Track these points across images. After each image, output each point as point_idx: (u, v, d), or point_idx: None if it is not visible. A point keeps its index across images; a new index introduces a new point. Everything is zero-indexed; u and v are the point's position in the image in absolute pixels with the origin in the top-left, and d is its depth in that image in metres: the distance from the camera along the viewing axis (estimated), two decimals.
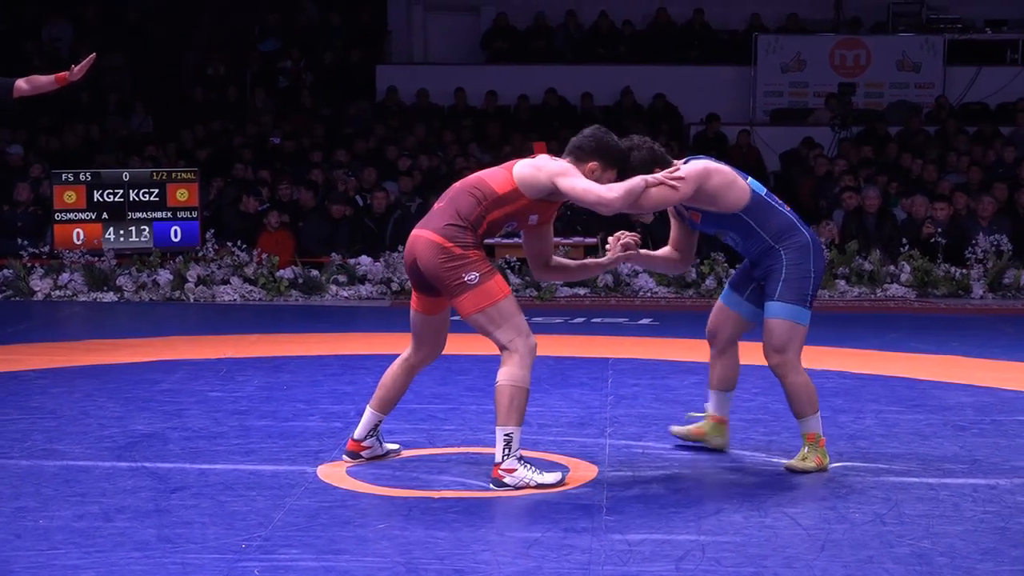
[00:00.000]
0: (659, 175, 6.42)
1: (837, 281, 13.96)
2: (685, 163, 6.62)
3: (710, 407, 7.03)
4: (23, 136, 18.90)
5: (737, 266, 6.99)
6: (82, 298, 13.74)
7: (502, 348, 6.24)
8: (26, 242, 14.61)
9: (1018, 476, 6.47)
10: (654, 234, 13.66)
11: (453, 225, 6.15)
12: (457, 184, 6.37)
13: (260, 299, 13.74)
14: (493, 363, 9.67)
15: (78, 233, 14.49)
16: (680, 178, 6.44)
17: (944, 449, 7.05)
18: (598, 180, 6.30)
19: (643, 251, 6.83)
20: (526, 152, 18.10)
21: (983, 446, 7.13)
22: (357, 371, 9.32)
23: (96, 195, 14.50)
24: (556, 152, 6.57)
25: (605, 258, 6.85)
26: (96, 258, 14.20)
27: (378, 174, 17.04)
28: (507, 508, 5.86)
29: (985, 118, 20.20)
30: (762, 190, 6.71)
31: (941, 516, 5.77)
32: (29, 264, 14.28)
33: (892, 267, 14.13)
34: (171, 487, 6.16)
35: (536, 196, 6.26)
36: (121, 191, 14.58)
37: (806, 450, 6.63)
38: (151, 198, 14.66)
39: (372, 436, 6.62)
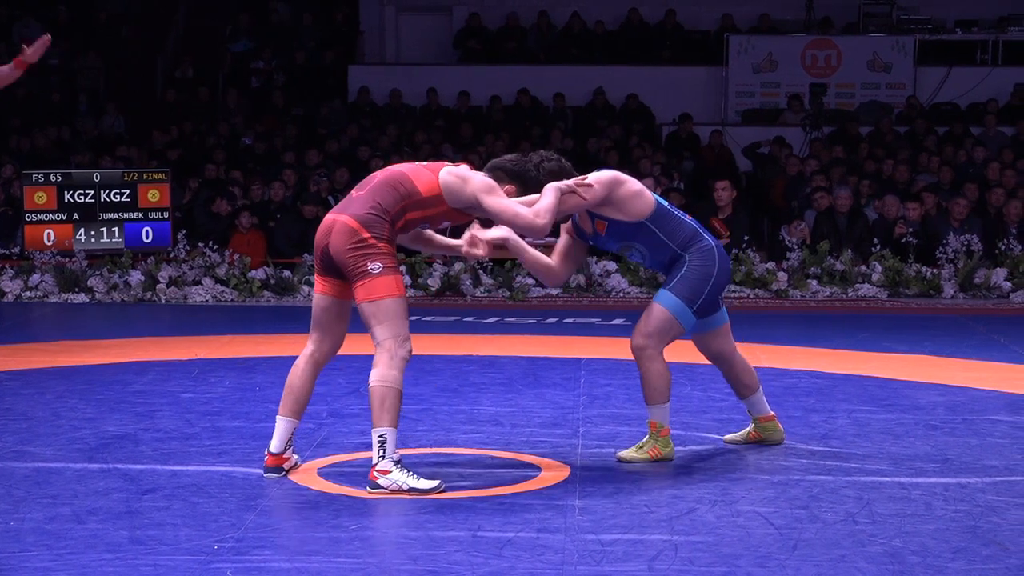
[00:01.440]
0: (569, 182, 6.54)
1: (809, 281, 14.00)
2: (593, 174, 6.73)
3: (751, 412, 7.14)
4: None
5: None
6: (53, 299, 13.69)
7: (377, 344, 6.18)
8: None
9: (989, 475, 6.50)
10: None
11: (373, 214, 6.14)
12: (379, 175, 6.34)
13: (232, 300, 13.71)
14: (466, 364, 9.71)
15: (49, 234, 14.43)
16: (589, 184, 6.58)
17: (916, 448, 7.08)
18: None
19: (521, 242, 6.73)
20: (498, 151, 18.16)
21: (954, 445, 7.15)
22: (329, 372, 9.25)
23: (67, 196, 14.45)
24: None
25: (457, 240, 6.74)
26: (67, 259, 14.15)
27: (350, 175, 17.01)
28: (480, 508, 5.85)
29: (956, 118, 20.28)
30: (664, 202, 6.81)
31: (913, 515, 5.78)
32: None
33: (864, 267, 14.17)
34: (143, 489, 6.14)
35: (456, 206, 6.31)
36: (92, 192, 14.53)
37: (646, 439, 6.77)
38: (122, 199, 14.61)
39: (290, 447, 6.42)
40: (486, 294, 13.83)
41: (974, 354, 10.38)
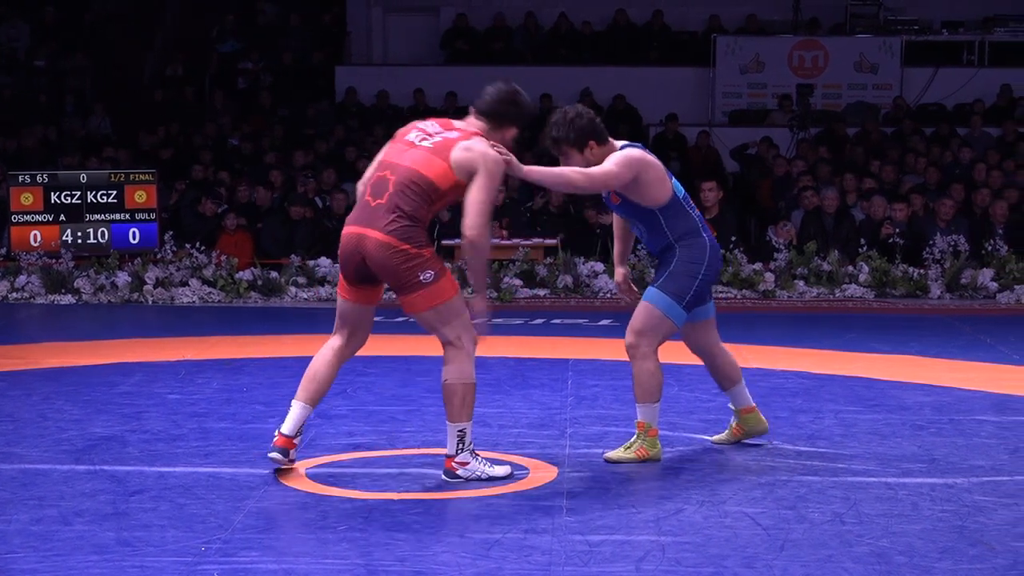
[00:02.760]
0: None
1: (796, 281, 14.02)
2: (623, 148, 6.74)
3: (733, 404, 7.15)
4: None
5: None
6: (39, 300, 13.66)
7: (448, 344, 6.26)
8: None
9: (975, 475, 6.51)
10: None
11: (406, 226, 6.13)
12: (391, 177, 6.25)
13: (219, 301, 13.70)
14: None
15: (35, 235, 14.42)
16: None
17: (902, 448, 7.09)
18: (509, 140, 6.51)
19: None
20: None
21: (941, 445, 7.17)
22: None
23: (53, 197, 14.43)
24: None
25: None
26: (54, 260, 14.13)
27: (337, 175, 17.01)
28: (468, 509, 5.86)
29: (942, 119, 20.32)
30: (681, 192, 6.86)
31: (900, 515, 5.79)
32: None
33: (851, 267, 14.19)
34: (130, 490, 6.14)
35: (469, 179, 6.27)
36: (79, 193, 14.51)
37: (633, 438, 6.80)
38: (109, 200, 14.59)
39: (299, 435, 6.40)
40: (473, 295, 13.80)
41: (961, 354, 10.39)
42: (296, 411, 6.39)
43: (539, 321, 12.39)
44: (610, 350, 10.32)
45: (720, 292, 13.86)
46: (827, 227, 15.13)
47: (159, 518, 5.67)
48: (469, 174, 6.22)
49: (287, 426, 6.36)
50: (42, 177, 14.58)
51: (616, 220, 7.16)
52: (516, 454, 6.89)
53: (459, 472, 6.24)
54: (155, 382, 8.96)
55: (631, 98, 20.69)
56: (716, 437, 7.25)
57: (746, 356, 10.08)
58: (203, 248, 14.20)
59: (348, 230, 6.25)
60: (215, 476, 6.40)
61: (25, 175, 14.66)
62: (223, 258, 14.07)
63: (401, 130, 6.58)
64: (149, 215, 14.66)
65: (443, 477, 6.28)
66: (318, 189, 16.62)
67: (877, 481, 6.38)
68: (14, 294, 13.82)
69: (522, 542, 5.37)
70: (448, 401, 6.25)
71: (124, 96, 21.15)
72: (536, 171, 6.59)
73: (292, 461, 6.43)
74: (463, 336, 6.26)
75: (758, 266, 14.15)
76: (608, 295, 13.89)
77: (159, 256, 14.18)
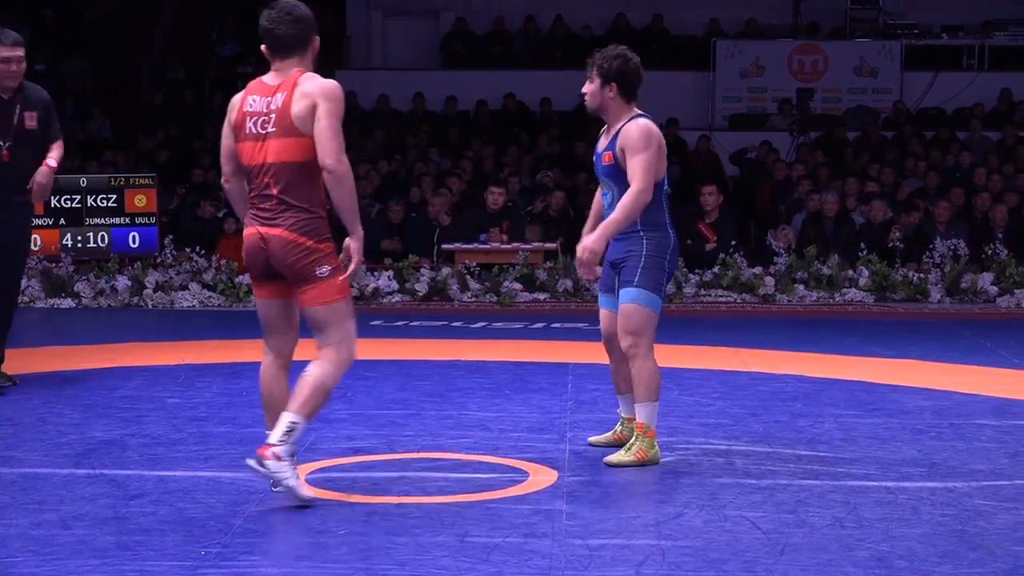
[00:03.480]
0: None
1: (796, 285, 14.01)
2: (638, 117, 6.86)
3: (625, 411, 7.10)
4: None
5: (601, 269, 7.14)
6: (40, 304, 13.65)
7: (327, 344, 6.02)
8: None
9: (976, 479, 6.51)
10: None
11: (304, 218, 5.94)
12: (267, 180, 5.94)
13: (219, 305, 13.69)
14: (453, 368, 9.70)
15: (35, 239, 14.39)
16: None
17: (902, 453, 7.09)
18: (317, 49, 6.19)
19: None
20: (486, 156, 18.08)
21: (941, 449, 7.16)
22: None
23: (53, 201, 14.41)
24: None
25: None
26: (54, 264, 14.13)
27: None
28: (467, 514, 5.85)
29: (942, 123, 20.33)
30: (665, 185, 6.91)
31: (900, 520, 5.79)
32: None
33: (850, 271, 14.19)
34: (130, 494, 6.13)
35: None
36: (79, 197, 14.52)
37: (632, 440, 6.80)
38: (109, 204, 14.59)
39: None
40: (474, 299, 13.83)
41: (961, 358, 10.39)
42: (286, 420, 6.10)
43: (539, 325, 12.38)
44: None
45: (720, 296, 13.86)
46: (827, 231, 15.13)
47: (159, 522, 5.66)
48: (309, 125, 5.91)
49: (275, 437, 6.07)
50: None
51: (597, 197, 7.14)
52: (516, 458, 6.88)
53: (267, 463, 5.81)
54: (155, 386, 8.96)
55: None
56: (595, 438, 7.23)
57: (746, 360, 10.10)
58: (203, 252, 14.19)
59: (249, 230, 6.07)
60: (215, 480, 6.39)
61: None
62: (223, 262, 14.06)
63: (235, 120, 6.09)
64: (149, 219, 14.66)
65: (248, 460, 5.92)
66: None
67: (877, 485, 6.38)
68: None
69: (522, 546, 5.37)
70: (298, 390, 5.95)
71: (123, 99, 21.16)
72: (605, 228, 6.71)
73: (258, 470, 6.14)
74: (345, 342, 6.03)
75: (758, 270, 14.14)
76: None
77: (159, 260, 14.18)
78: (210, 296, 13.79)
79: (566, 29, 22.37)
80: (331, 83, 5.99)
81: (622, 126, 6.80)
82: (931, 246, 14.33)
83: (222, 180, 6.26)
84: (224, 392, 8.76)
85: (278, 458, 5.84)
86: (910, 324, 12.66)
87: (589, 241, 6.74)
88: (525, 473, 6.57)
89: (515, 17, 22.66)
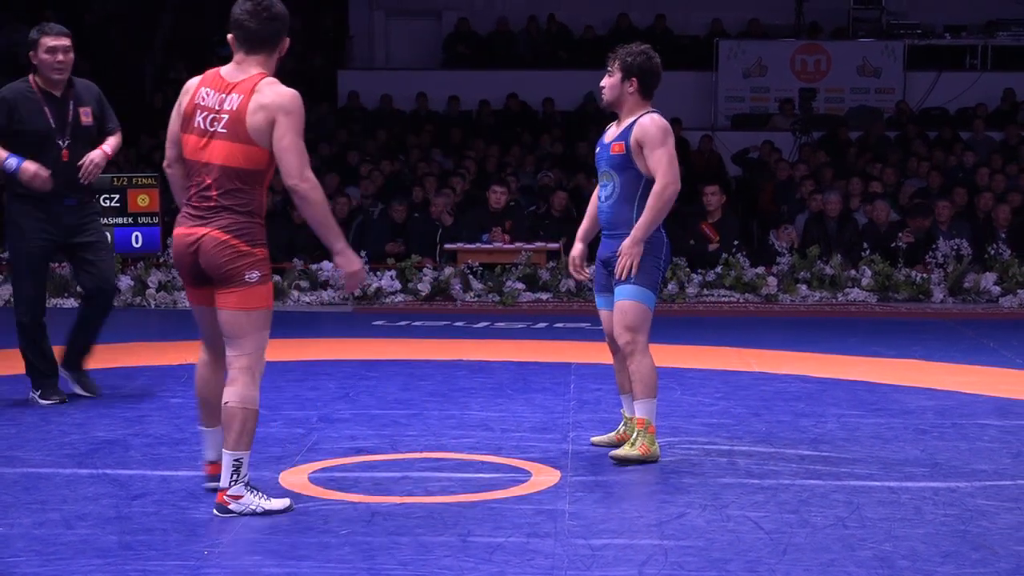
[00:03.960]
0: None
1: (799, 285, 14.01)
2: (652, 113, 6.89)
3: (628, 411, 7.10)
4: None
5: (589, 268, 7.26)
6: None
7: (238, 357, 5.76)
8: None
9: (978, 479, 6.51)
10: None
11: (240, 221, 5.73)
12: (208, 179, 5.75)
13: None
14: (456, 368, 9.70)
15: None
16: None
17: (905, 452, 7.08)
18: (284, 50, 6.06)
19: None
20: (488, 156, 18.04)
21: (944, 449, 7.16)
22: (319, 377, 9.30)
23: None
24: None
25: None
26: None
27: (340, 179, 17.02)
28: (470, 513, 5.85)
29: (945, 123, 20.32)
30: None
31: (902, 519, 5.79)
32: None
33: (853, 271, 14.18)
34: (132, 494, 6.13)
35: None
36: None
37: (635, 436, 6.80)
38: (112, 204, 14.57)
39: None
40: (476, 299, 13.83)
41: (963, 358, 10.39)
42: (207, 437, 6.06)
43: (541, 325, 12.38)
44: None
45: (723, 296, 13.85)
46: (830, 231, 15.13)
47: (162, 522, 5.67)
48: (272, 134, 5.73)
49: (209, 454, 6.06)
50: None
51: (593, 198, 7.15)
52: (519, 458, 6.88)
53: (231, 507, 5.75)
54: (158, 386, 8.96)
55: None
56: (597, 438, 7.25)
57: (748, 360, 10.10)
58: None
59: (180, 231, 5.84)
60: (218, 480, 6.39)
61: None
62: None
63: (185, 107, 5.89)
64: (152, 219, 14.63)
65: (215, 512, 5.78)
66: None
67: (880, 485, 6.37)
68: None
69: (525, 546, 5.37)
70: (227, 426, 5.73)
71: (125, 100, 21.15)
72: (640, 229, 6.74)
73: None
74: (256, 355, 5.78)
75: (761, 270, 14.14)
76: None
77: (162, 260, 14.18)
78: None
79: (568, 29, 22.36)
80: (289, 94, 5.83)
81: (636, 119, 6.83)
82: (934, 246, 14.33)
83: (164, 164, 6.03)
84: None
85: (238, 498, 5.76)
86: (913, 324, 12.66)
87: (629, 247, 6.73)
88: (528, 473, 6.57)
89: (518, 17, 22.66)
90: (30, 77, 8.22)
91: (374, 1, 23.24)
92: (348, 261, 5.87)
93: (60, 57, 8.16)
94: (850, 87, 21.47)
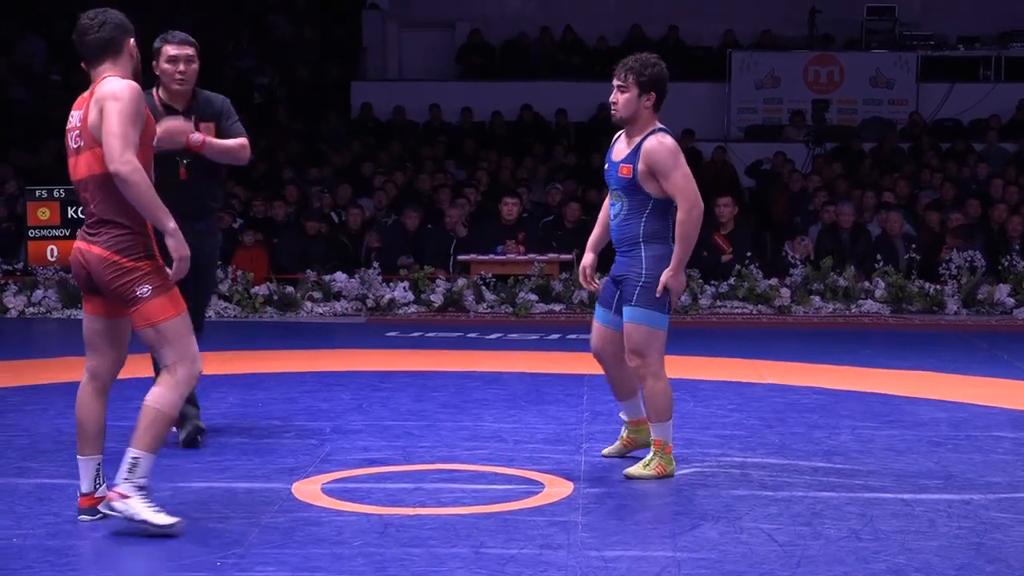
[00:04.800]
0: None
1: (812, 297, 13.99)
2: (655, 132, 6.80)
3: (626, 415, 7.14)
4: None
5: (602, 280, 7.10)
6: (56, 315, 13.69)
7: (164, 366, 5.78)
8: (0, 259, 14.55)
9: (992, 491, 6.49)
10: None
11: (119, 235, 5.67)
12: (85, 195, 5.73)
13: (235, 316, 13.71)
14: (469, 380, 9.70)
15: (52, 250, 14.45)
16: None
17: (919, 465, 7.07)
18: (137, 53, 5.94)
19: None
20: (502, 167, 17.98)
21: (958, 462, 7.15)
22: (332, 388, 9.30)
23: (70, 211, 14.46)
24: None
25: None
26: (70, 275, 14.14)
27: (353, 191, 17.04)
28: (483, 525, 5.85)
29: (958, 134, 20.29)
30: (674, 202, 6.81)
31: (916, 532, 5.78)
32: (3, 281, 14.23)
33: (867, 283, 14.17)
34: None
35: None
36: None
37: (650, 455, 6.76)
38: None
39: (101, 484, 5.92)
40: (489, 310, 13.83)
41: (977, 370, 10.37)
42: (83, 467, 5.92)
43: (554, 336, 12.38)
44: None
45: (736, 307, 13.84)
46: (843, 242, 15.11)
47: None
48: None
49: (83, 486, 5.91)
50: (59, 192, 14.60)
51: (604, 206, 7.10)
52: (532, 469, 6.88)
53: (115, 504, 5.62)
54: None
55: None
56: (607, 450, 7.23)
57: (762, 372, 10.09)
58: (219, 263, 14.20)
59: (75, 244, 5.85)
60: (230, 491, 6.40)
61: (42, 190, 14.70)
62: (239, 273, 14.08)
63: (65, 134, 5.88)
64: None
65: (100, 509, 5.73)
66: (334, 204, 16.64)
67: (894, 497, 6.36)
68: (31, 308, 13.85)
69: (538, 558, 5.36)
70: (138, 424, 5.71)
71: None
72: (678, 261, 6.68)
73: (105, 514, 5.85)
74: (178, 363, 5.74)
75: (774, 281, 14.13)
76: None
77: None
78: (226, 307, 13.80)
79: (581, 40, 22.38)
80: (121, 82, 5.71)
81: (642, 140, 6.74)
82: (947, 258, 14.31)
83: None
84: (240, 403, 8.76)
85: (124, 496, 5.63)
86: (926, 336, 12.64)
87: (671, 279, 6.64)
88: (541, 484, 6.57)
89: (531, 28, 22.68)
90: (155, 89, 7.62)
91: (388, 12, 23.28)
92: (180, 245, 5.67)
93: (182, 67, 7.56)
94: (863, 98, 21.44)
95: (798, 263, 14.25)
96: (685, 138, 19.93)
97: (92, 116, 5.66)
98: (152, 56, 7.55)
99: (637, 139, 6.79)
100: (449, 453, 7.28)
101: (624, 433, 7.20)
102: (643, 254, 6.72)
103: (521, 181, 17.78)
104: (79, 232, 5.87)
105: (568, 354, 11.17)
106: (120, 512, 5.62)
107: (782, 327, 13.28)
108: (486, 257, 14.69)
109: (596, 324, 7.03)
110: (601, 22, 22.60)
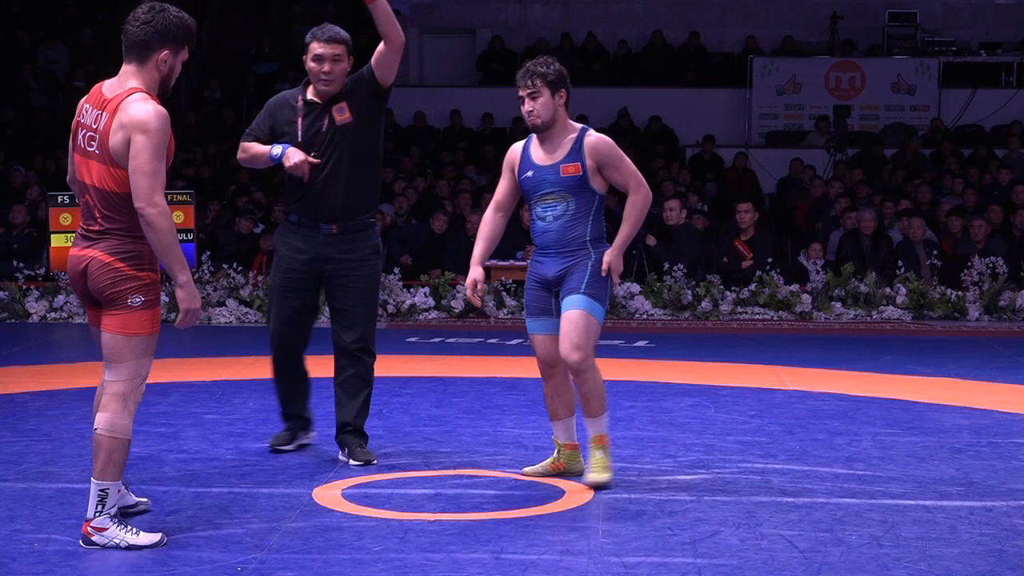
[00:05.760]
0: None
1: (833, 303, 13.97)
2: (586, 129, 6.73)
3: (563, 438, 6.93)
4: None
5: (527, 293, 6.85)
6: (77, 320, 13.73)
7: (113, 382, 5.62)
8: (22, 264, 14.60)
9: (1014, 498, 6.47)
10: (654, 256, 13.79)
11: (124, 242, 5.58)
12: (91, 200, 5.61)
13: (256, 321, 13.74)
14: (489, 385, 9.70)
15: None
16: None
17: (940, 471, 7.05)
18: (171, 68, 5.75)
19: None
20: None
21: (979, 468, 7.12)
22: None
23: None
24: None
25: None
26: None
27: None
28: (503, 531, 5.85)
29: (980, 140, 20.24)
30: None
31: (938, 539, 5.76)
32: (25, 286, 14.28)
33: (888, 289, 14.14)
34: (167, 510, 6.15)
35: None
36: None
37: (599, 455, 6.63)
38: None
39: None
40: (509, 316, 13.84)
41: (999, 377, 10.34)
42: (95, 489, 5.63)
43: None
44: (645, 371, 10.31)
45: (757, 313, 13.83)
46: (864, 249, 15.08)
47: (195, 538, 5.68)
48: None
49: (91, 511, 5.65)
50: None
51: (487, 219, 6.93)
52: (552, 475, 6.87)
53: (94, 538, 5.52)
54: (192, 402, 8.99)
55: (668, 119, 20.69)
56: (529, 469, 6.98)
57: (783, 378, 10.07)
58: (240, 268, 14.24)
59: (71, 252, 5.69)
60: (251, 496, 6.41)
61: (64, 196, 14.72)
62: (260, 278, 14.11)
63: (73, 124, 5.75)
64: (186, 235, 14.69)
65: (80, 543, 5.59)
66: None
67: (915, 504, 6.34)
68: (52, 314, 13.90)
69: (558, 564, 5.36)
70: (95, 455, 5.55)
71: None
72: (623, 240, 6.64)
73: (138, 506, 6.04)
74: (133, 382, 5.63)
75: (795, 287, 14.11)
76: (644, 316, 13.87)
77: (196, 276, 14.23)
78: (247, 312, 13.83)
79: (602, 46, 22.38)
80: (151, 111, 5.55)
81: (579, 138, 6.64)
82: (969, 264, 14.28)
83: (68, 179, 5.86)
84: (261, 408, 8.77)
85: (102, 530, 5.55)
86: (948, 342, 12.61)
87: (615, 259, 6.62)
88: (561, 490, 6.57)
89: (551, 35, 22.69)
90: (304, 86, 7.31)
91: (409, 19, 23.29)
92: (190, 297, 5.63)
93: (327, 67, 7.13)
94: (884, 104, 21.42)
95: (819, 269, 14.23)
96: (706, 144, 19.94)
97: (115, 140, 5.51)
98: (303, 50, 7.29)
99: (566, 138, 6.66)
100: (469, 459, 7.28)
101: (556, 455, 6.95)
102: (590, 252, 6.63)
103: None
104: (76, 237, 5.73)
105: None
106: (100, 544, 5.54)
107: (803, 333, 13.25)
108: (507, 263, 14.70)
109: (540, 336, 6.75)
110: (622, 29, 22.62)
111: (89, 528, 5.57)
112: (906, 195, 17.13)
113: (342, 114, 7.13)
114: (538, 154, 6.73)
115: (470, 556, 5.45)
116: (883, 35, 22.16)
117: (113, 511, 5.60)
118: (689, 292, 13.94)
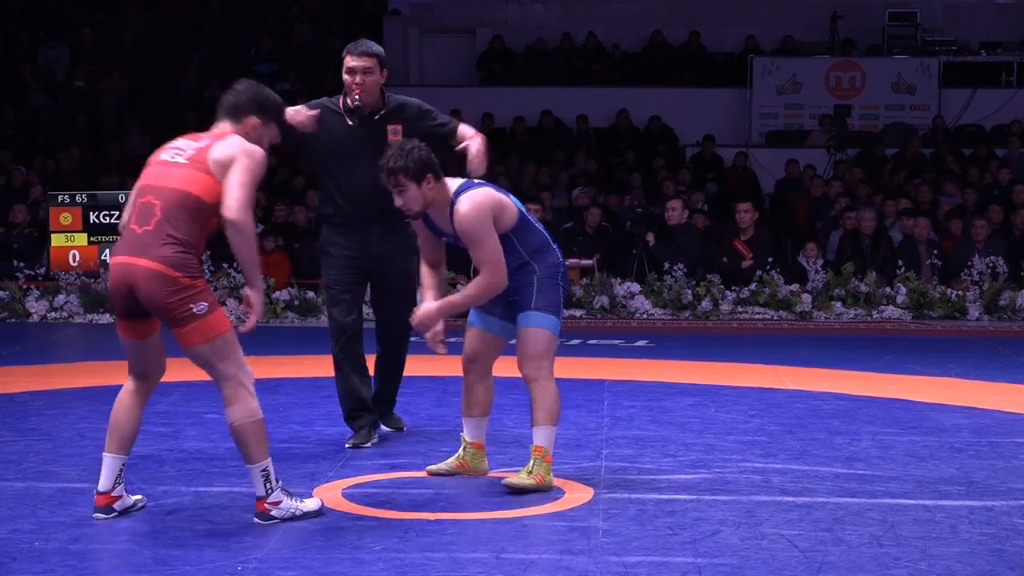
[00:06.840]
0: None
1: (833, 303, 13.97)
2: (461, 190, 6.56)
3: (471, 436, 6.91)
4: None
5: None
6: (78, 320, 13.73)
7: (225, 380, 5.96)
8: (22, 264, 14.60)
9: (1014, 498, 6.47)
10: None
11: (178, 252, 5.73)
12: (156, 201, 5.80)
13: (256, 321, 13.70)
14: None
15: (74, 255, 14.49)
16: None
17: (940, 471, 7.05)
18: (260, 137, 6.08)
19: (435, 306, 6.82)
20: (523, 173, 17.99)
21: (979, 468, 7.13)
22: None
23: (92, 217, 14.51)
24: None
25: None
26: (92, 280, 14.19)
27: None
28: (503, 530, 5.85)
29: (980, 140, 20.24)
30: (522, 207, 6.74)
31: (938, 538, 5.76)
32: (25, 286, 14.27)
33: (888, 289, 14.14)
34: (167, 509, 6.15)
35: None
36: (117, 212, 14.57)
37: (532, 464, 6.55)
38: None
39: (120, 484, 6.00)
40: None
41: (999, 376, 10.34)
42: (107, 464, 5.98)
43: (575, 342, 12.37)
44: (646, 371, 10.31)
45: (757, 313, 13.83)
46: (864, 248, 15.08)
47: (196, 537, 5.69)
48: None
49: (102, 483, 5.97)
50: (81, 197, 14.65)
51: (424, 272, 6.92)
52: (552, 474, 6.87)
53: (273, 512, 5.88)
54: (192, 401, 8.99)
55: (667, 119, 20.69)
56: (433, 467, 6.95)
57: (783, 377, 10.07)
58: (240, 268, 14.23)
59: (115, 260, 5.80)
60: (251, 495, 6.39)
61: (64, 195, 14.75)
62: None
63: (154, 153, 6.08)
64: None
65: (255, 520, 5.89)
66: None
67: (915, 503, 6.35)
68: (53, 313, 13.89)
69: (558, 563, 5.36)
70: (243, 444, 5.89)
71: (160, 117, 21.28)
72: (448, 304, 6.68)
73: (135, 506, 6.11)
74: (240, 373, 5.98)
75: (795, 287, 14.11)
76: (644, 316, 13.86)
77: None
78: (247, 312, 13.80)
79: (602, 46, 22.38)
80: (258, 148, 5.96)
81: (452, 210, 6.50)
82: (969, 264, 14.27)
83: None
84: (261, 408, 8.74)
85: (277, 503, 5.91)
86: (948, 342, 12.61)
87: (431, 308, 6.65)
88: (561, 490, 6.57)
89: (552, 35, 22.69)
90: (341, 96, 7.90)
91: (409, 19, 23.33)
92: (259, 302, 6.11)
93: (359, 79, 7.62)
94: (885, 104, 21.42)
95: (819, 269, 14.23)
96: (706, 143, 19.94)
97: (218, 151, 5.83)
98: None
99: (447, 210, 6.53)
100: None
101: (461, 452, 6.92)
102: (535, 266, 6.60)
103: (543, 187, 17.78)
104: (119, 246, 5.84)
105: (588, 359, 11.16)
106: (280, 517, 5.89)
107: (803, 333, 13.25)
108: None
109: (474, 329, 6.82)
110: (622, 28, 22.61)
111: (266, 505, 5.88)
112: (904, 196, 17.11)
113: (395, 135, 7.49)
114: (437, 218, 6.63)
115: (470, 556, 5.45)
116: (883, 35, 22.14)
117: (280, 484, 5.96)
118: (689, 292, 13.94)
